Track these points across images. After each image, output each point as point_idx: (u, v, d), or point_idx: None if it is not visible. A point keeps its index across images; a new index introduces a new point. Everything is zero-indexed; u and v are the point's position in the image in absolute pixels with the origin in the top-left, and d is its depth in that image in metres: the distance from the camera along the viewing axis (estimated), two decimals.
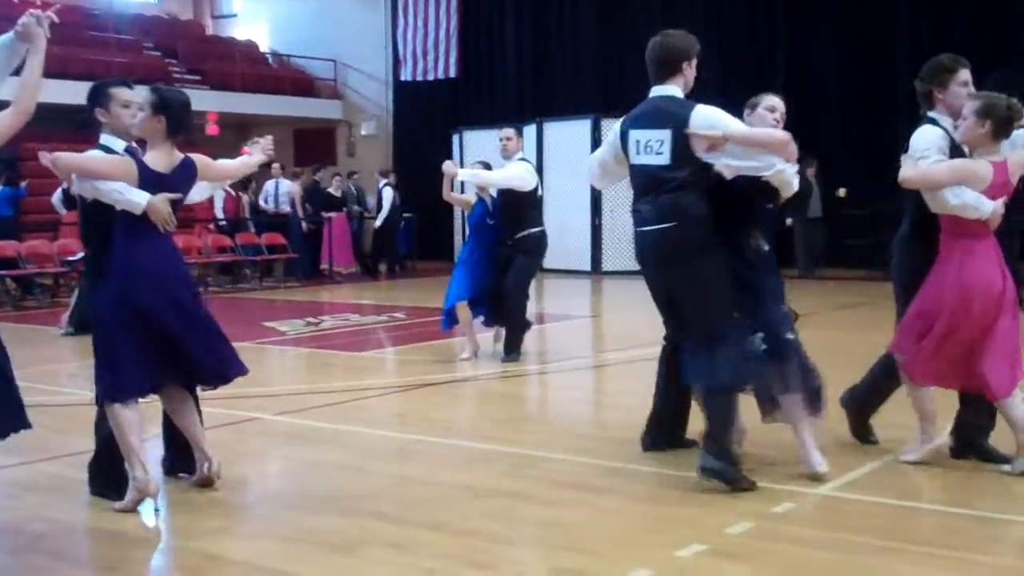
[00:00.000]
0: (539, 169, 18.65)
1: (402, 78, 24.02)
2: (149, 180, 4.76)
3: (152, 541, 4.62)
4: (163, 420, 5.26)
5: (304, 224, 18.81)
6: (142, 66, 22.42)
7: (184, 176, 4.95)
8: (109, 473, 5.00)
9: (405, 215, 20.13)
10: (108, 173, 4.71)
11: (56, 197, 14.26)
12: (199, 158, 5.09)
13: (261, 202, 19.25)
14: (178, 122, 4.90)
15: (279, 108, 24.22)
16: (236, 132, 25.45)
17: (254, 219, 18.80)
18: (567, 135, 18.53)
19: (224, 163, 5.35)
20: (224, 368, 5.08)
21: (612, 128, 5.44)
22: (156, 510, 4.84)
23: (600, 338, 11.54)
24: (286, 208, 19.03)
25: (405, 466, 5.77)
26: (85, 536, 4.67)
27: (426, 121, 23.33)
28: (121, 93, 4.97)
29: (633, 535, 4.40)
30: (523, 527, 4.53)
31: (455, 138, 20.65)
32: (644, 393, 7.74)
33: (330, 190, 19.26)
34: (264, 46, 26.91)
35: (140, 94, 4.92)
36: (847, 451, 5.53)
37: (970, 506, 4.71)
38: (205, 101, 23.10)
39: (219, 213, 18.76)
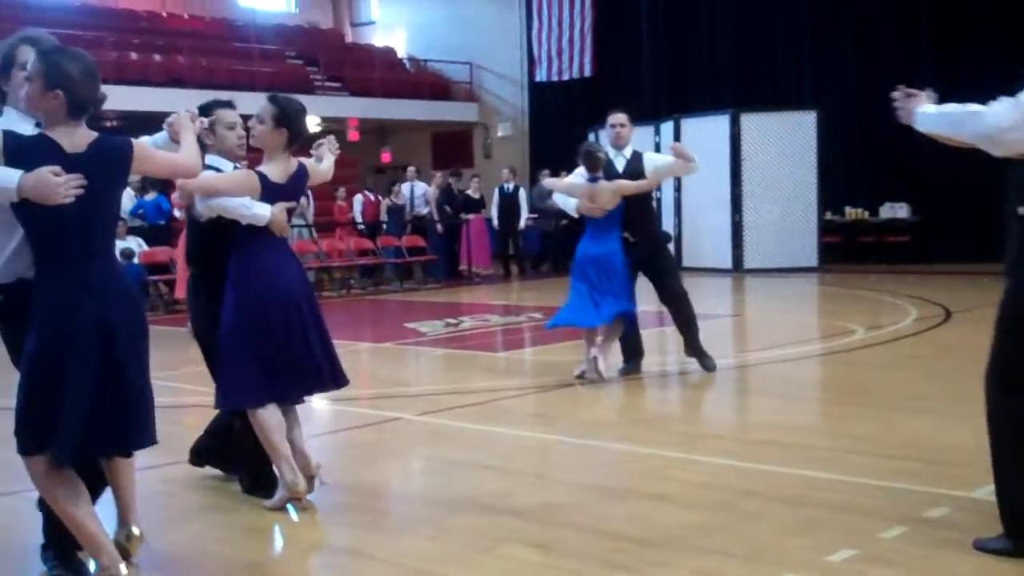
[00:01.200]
0: None
1: (537, 79, 24.09)
2: (270, 191, 4.86)
3: (299, 538, 4.70)
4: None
5: (439, 226, 19.01)
6: (284, 75, 23.01)
7: (299, 183, 5.06)
8: (255, 474, 5.13)
9: (533, 216, 20.04)
10: (235, 191, 4.81)
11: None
12: (308, 164, 5.18)
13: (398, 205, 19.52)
14: (298, 132, 4.99)
15: (417, 112, 24.57)
16: (376, 137, 25.94)
17: (394, 222, 19.05)
18: (705, 131, 18.28)
19: (321, 167, 5.35)
20: (338, 373, 5.10)
21: None
22: (304, 509, 4.92)
23: (742, 338, 11.34)
24: (422, 211, 19.26)
25: (546, 466, 5.75)
26: (236, 532, 4.77)
27: (562, 121, 23.33)
28: (227, 115, 5.05)
29: (779, 539, 4.28)
30: (665, 529, 4.46)
31: (591, 137, 20.57)
32: (787, 395, 7.61)
33: (468, 192, 19.41)
34: (402, 51, 27.31)
35: (257, 104, 5.01)
36: None
37: None
38: (345, 107, 23.59)
39: (358, 217, 19.10)
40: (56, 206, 3.55)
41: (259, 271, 4.83)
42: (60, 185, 3.53)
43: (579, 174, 7.97)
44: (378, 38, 28.03)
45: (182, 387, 7.53)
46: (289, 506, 4.90)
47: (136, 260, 14.86)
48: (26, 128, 3.76)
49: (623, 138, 8.10)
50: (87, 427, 3.68)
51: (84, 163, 3.65)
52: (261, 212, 4.79)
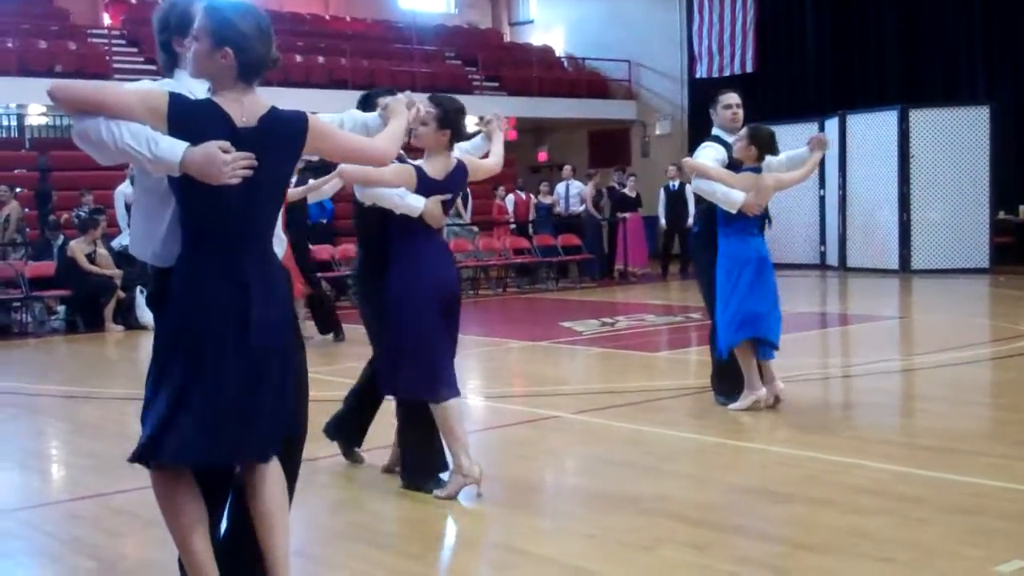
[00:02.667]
0: (842, 163, 18.14)
1: (697, 75, 23.82)
2: (426, 187, 4.95)
3: (457, 533, 4.77)
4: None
5: (603, 222, 19.00)
6: (444, 75, 23.34)
7: (457, 180, 5.13)
8: (420, 466, 5.22)
9: None
10: (392, 182, 4.88)
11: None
12: (469, 161, 5.24)
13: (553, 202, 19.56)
14: (459, 132, 5.09)
15: (574, 111, 24.61)
16: (532, 136, 26.09)
17: (542, 220, 19.12)
18: (872, 127, 17.81)
19: (485, 162, 5.38)
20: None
21: None
22: (479, 495, 5.00)
23: (909, 340, 10.99)
24: (576, 209, 19.27)
25: (703, 467, 5.70)
26: (396, 524, 4.88)
27: None
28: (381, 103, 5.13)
29: (946, 547, 4.15)
30: (826, 534, 4.37)
31: None
32: (956, 399, 7.35)
33: (625, 190, 19.34)
34: (560, 50, 27.39)
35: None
36: None
37: None
38: (502, 107, 23.73)
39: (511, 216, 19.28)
40: (218, 186, 3.15)
41: (419, 262, 4.96)
42: (227, 164, 3.12)
43: (714, 159, 6.82)
44: (536, 37, 28.18)
45: (346, 382, 7.72)
46: (460, 495, 4.99)
47: None
48: (199, 92, 3.34)
49: (739, 121, 7.03)
50: (203, 427, 3.21)
51: (254, 138, 3.23)
52: (415, 203, 4.91)
